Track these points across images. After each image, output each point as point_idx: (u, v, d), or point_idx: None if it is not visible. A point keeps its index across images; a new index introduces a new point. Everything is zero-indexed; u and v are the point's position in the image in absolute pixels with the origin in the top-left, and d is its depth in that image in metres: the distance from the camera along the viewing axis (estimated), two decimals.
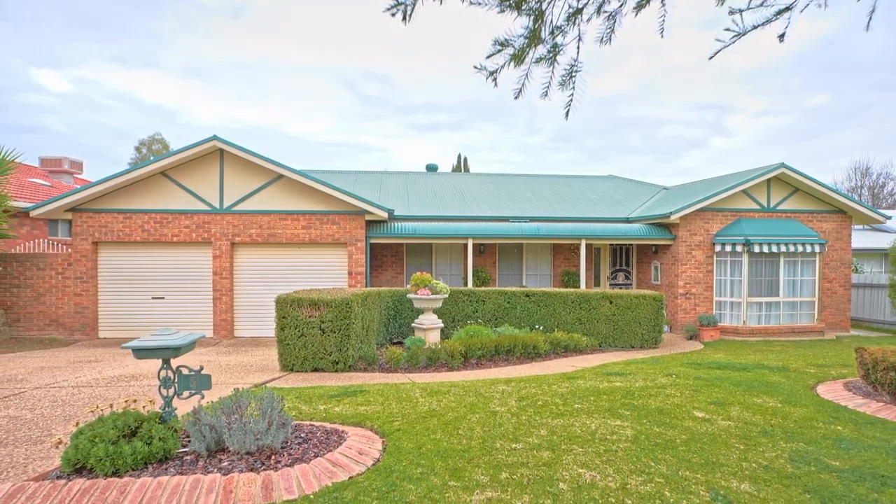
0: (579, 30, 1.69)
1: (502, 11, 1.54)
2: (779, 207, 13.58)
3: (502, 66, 1.68)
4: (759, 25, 2.51)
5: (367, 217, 12.36)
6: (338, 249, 12.49)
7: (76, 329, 11.82)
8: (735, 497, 3.44)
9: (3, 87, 53.59)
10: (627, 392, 6.14)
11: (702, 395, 6.06)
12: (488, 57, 1.65)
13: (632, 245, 15.62)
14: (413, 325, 9.75)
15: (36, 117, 55.89)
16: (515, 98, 1.78)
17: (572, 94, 1.74)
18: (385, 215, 12.34)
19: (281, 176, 12.13)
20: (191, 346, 4.12)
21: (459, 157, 32.87)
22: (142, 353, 3.88)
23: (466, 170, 31.66)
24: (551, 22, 1.59)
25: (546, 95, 1.70)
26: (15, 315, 11.82)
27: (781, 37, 2.57)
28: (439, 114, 73.88)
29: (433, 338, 9.41)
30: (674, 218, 12.97)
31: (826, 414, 5.38)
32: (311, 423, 4.79)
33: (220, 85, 71.02)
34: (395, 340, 10.79)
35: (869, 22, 2.35)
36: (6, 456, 4.17)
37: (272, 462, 3.82)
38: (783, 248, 12.72)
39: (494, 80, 1.72)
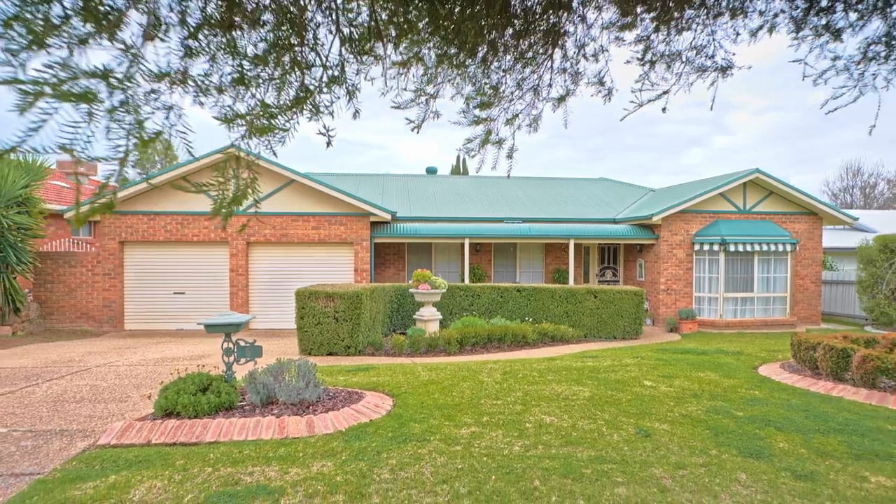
0: (515, 129, 3.02)
1: (470, 125, 2.89)
2: (754, 209, 14.93)
3: (472, 150, 3.02)
4: (652, 100, 3.88)
5: (372, 218, 13.71)
6: (345, 248, 13.85)
7: (104, 321, 13.18)
8: (653, 431, 4.80)
9: None
10: (595, 369, 7.52)
11: (656, 371, 7.43)
12: (463, 146, 2.99)
13: (619, 244, 16.96)
14: (414, 316, 11.10)
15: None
16: (478, 170, 3.11)
17: (510, 164, 3.09)
18: (388, 217, 13.69)
19: (292, 181, 13.47)
20: (245, 325, 5.48)
21: (458, 156, 34.23)
22: (212, 328, 5.24)
23: (466, 170, 33.00)
24: (497, 130, 2.94)
25: (494, 167, 3.05)
26: (49, 308, 13.18)
27: (664, 109, 3.92)
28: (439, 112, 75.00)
29: (432, 328, 10.76)
30: (656, 219, 14.32)
31: (752, 383, 6.75)
32: (336, 387, 6.15)
33: None
34: (398, 331, 12.14)
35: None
36: (104, 409, 5.53)
37: (310, 410, 5.19)
38: (757, 248, 14.08)
39: (468, 154, 3.05)
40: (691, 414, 5.36)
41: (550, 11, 3.26)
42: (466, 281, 14.91)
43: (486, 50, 3.01)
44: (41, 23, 1.28)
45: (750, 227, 14.51)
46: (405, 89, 2.45)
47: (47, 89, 1.29)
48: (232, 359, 5.44)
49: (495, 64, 2.83)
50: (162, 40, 1.58)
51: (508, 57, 3.13)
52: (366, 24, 1.87)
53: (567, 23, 3.38)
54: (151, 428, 4.77)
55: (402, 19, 1.99)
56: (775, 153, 62.77)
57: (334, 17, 1.76)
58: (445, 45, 2.48)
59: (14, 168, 11.72)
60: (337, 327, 9.07)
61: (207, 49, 1.59)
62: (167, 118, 1.70)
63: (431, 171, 21.97)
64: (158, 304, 13.45)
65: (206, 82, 1.67)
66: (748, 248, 14.05)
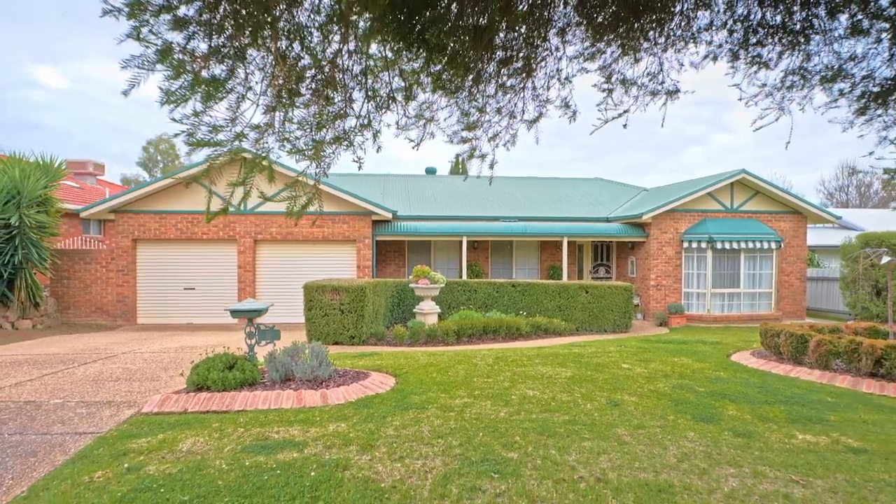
0: (495, 146, 3.81)
1: (458, 143, 3.68)
2: (741, 209, 15.73)
3: (463, 160, 3.82)
4: (615, 118, 4.66)
5: (374, 217, 14.50)
6: (347, 246, 14.65)
7: (118, 316, 13.98)
8: (622, 402, 5.61)
9: (0, 83, 55.69)
10: (580, 355, 8.32)
11: (635, 357, 8.23)
12: (455, 157, 3.77)
13: (611, 242, 17.76)
14: (414, 310, 11.90)
15: (34, 114, 58.01)
16: (465, 179, 3.89)
17: (492, 173, 3.88)
18: (389, 216, 14.48)
19: (297, 181, 14.22)
20: (265, 311, 6.28)
21: (458, 156, 34.94)
22: (236, 313, 6.04)
23: (465, 169, 33.80)
24: (480, 148, 3.74)
25: (479, 176, 3.83)
26: (65, 303, 13.98)
27: (624, 126, 4.71)
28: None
29: (431, 321, 11.56)
30: (646, 218, 15.11)
31: (720, 367, 7.55)
32: (344, 368, 6.95)
33: None
34: (399, 323, 12.90)
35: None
36: (139, 386, 6.33)
37: (323, 385, 5.99)
38: (743, 245, 14.87)
39: (463, 167, 3.74)
40: (658, 390, 6.16)
41: (524, 44, 4.06)
42: (464, 277, 15.70)
43: (472, 81, 3.81)
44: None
45: (737, 226, 15.30)
46: (407, 116, 3.21)
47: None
48: (254, 341, 6.24)
49: (479, 98, 3.61)
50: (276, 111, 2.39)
51: (491, 87, 3.92)
52: (384, 93, 2.66)
53: (542, 51, 4.17)
54: (186, 399, 5.57)
55: (413, 83, 2.78)
56: (775, 153, 63.47)
57: (365, 91, 2.54)
58: (440, 84, 3.26)
59: (34, 169, 12.51)
60: (342, 318, 9.87)
61: (287, 110, 2.37)
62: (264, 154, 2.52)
63: (431, 171, 22.76)
64: (170, 299, 14.25)
65: (286, 130, 2.45)
66: (735, 245, 14.84)
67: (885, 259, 8.38)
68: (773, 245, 15.06)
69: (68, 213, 15.88)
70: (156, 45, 1.83)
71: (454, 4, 3.49)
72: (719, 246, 14.82)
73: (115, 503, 3.46)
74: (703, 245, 15.00)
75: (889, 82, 3.62)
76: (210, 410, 5.36)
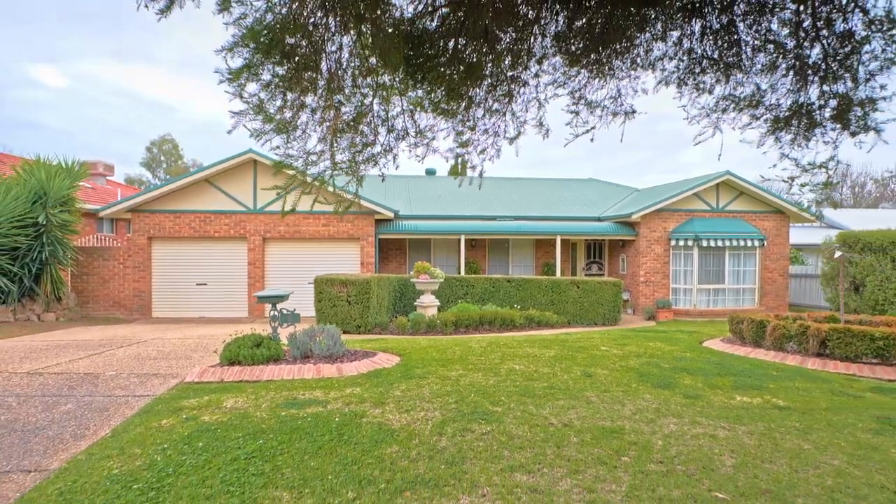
0: (483, 159, 4.86)
1: (453, 158, 4.74)
2: (726, 208, 16.79)
3: (459, 166, 4.84)
4: (582, 133, 5.70)
5: (376, 216, 15.55)
6: (352, 244, 15.70)
7: (134, 310, 15.03)
8: (595, 374, 6.66)
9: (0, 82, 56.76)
10: (564, 340, 9.37)
11: (616, 341, 9.28)
12: (455, 157, 4.84)
13: (603, 240, 18.81)
14: (415, 303, 12.94)
15: (33, 113, 59.08)
16: (459, 185, 4.95)
17: (481, 181, 4.92)
18: (391, 215, 15.53)
19: (305, 182, 15.28)
20: (287, 297, 7.33)
21: (456, 158, 35.99)
22: (263, 299, 7.09)
23: (464, 170, 34.84)
24: (471, 161, 4.79)
25: (470, 184, 4.90)
26: (84, 298, 15.04)
27: (592, 139, 5.76)
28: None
29: (431, 313, 12.60)
30: (635, 217, 16.17)
31: (689, 349, 8.60)
32: (354, 349, 8.00)
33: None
34: (400, 316, 13.97)
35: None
36: (176, 364, 7.38)
37: (338, 361, 7.04)
38: (728, 243, 15.93)
39: (463, 169, 4.81)
40: (628, 365, 7.22)
41: (507, 78, 5.11)
42: (462, 273, 16.75)
43: (464, 107, 4.86)
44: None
45: (722, 225, 16.35)
46: (416, 142, 4.26)
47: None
48: (277, 323, 7.29)
49: (470, 119, 4.67)
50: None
51: (480, 111, 4.97)
52: (400, 127, 3.71)
53: (522, 80, 5.22)
54: (222, 371, 6.62)
55: (418, 107, 3.84)
56: (775, 151, 64.34)
57: (387, 127, 3.60)
58: (439, 110, 4.31)
59: (58, 171, 13.56)
60: (349, 309, 10.92)
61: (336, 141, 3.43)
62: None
63: (430, 172, 23.82)
64: (183, 294, 15.30)
65: (335, 156, 3.50)
66: (720, 243, 15.90)
67: (837, 254, 9.41)
68: (757, 243, 16.11)
69: (85, 212, 16.95)
70: (250, 101, 2.87)
71: (451, 41, 4.56)
72: (705, 244, 15.87)
73: (182, 440, 4.50)
74: (690, 243, 16.05)
75: (789, 111, 4.67)
76: (243, 380, 6.41)
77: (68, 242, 13.74)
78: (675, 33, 5.17)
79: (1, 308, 12.51)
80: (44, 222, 12.87)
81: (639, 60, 5.35)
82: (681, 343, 9.29)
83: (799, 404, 5.64)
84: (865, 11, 4.17)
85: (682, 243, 16.19)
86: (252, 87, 2.87)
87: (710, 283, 16.30)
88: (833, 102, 4.56)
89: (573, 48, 5.13)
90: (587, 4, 4.99)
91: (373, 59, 3.77)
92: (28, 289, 13.17)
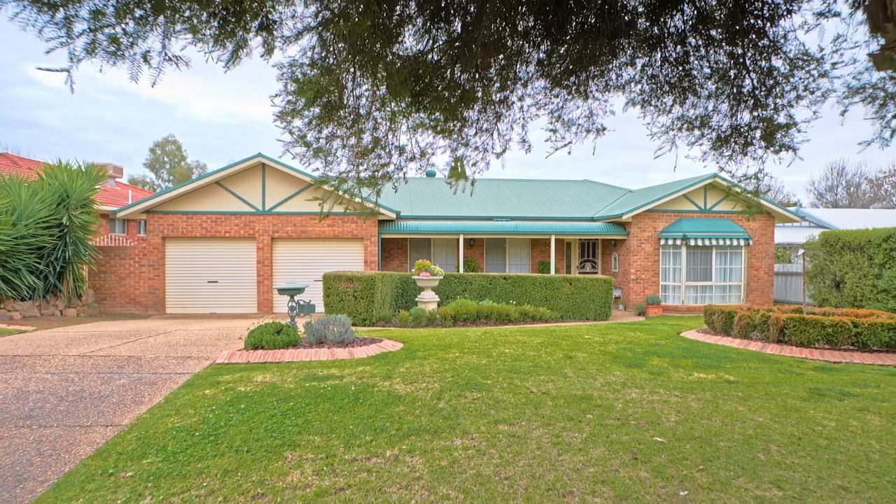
0: (474, 171, 5.92)
1: (450, 173, 5.81)
2: (714, 209, 17.82)
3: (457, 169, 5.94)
4: (560, 147, 6.74)
5: (379, 217, 16.59)
6: (355, 243, 16.75)
7: (149, 306, 16.08)
8: (575, 357, 7.70)
9: None
10: (553, 330, 10.41)
11: (600, 332, 10.32)
12: (447, 178, 5.90)
13: (596, 239, 19.85)
14: (416, 299, 13.99)
15: (32, 112, 60.16)
16: (454, 193, 6.03)
17: (472, 189, 5.99)
18: (394, 216, 16.58)
19: (311, 184, 16.35)
20: (304, 290, 8.37)
21: (455, 159, 37.05)
22: (283, 291, 8.13)
23: (464, 170, 35.86)
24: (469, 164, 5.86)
25: (464, 191, 5.98)
26: (102, 295, 16.09)
27: (569, 152, 6.81)
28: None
29: (431, 308, 13.64)
30: (626, 217, 17.21)
31: (665, 338, 9.64)
32: (362, 337, 9.05)
33: (218, 80, 75.23)
34: (403, 310, 15.01)
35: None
36: (204, 349, 8.43)
37: (349, 346, 8.09)
38: (715, 242, 16.96)
39: (462, 172, 5.97)
40: (607, 350, 8.26)
41: (496, 101, 6.15)
42: (461, 271, 17.79)
43: (458, 127, 5.92)
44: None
45: (709, 225, 17.39)
46: (421, 160, 5.31)
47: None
48: (294, 313, 8.34)
49: (463, 139, 5.71)
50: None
51: (472, 130, 6.02)
52: (409, 151, 4.77)
53: (509, 100, 6.26)
54: (248, 355, 7.67)
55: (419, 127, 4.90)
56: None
57: (399, 151, 4.65)
58: (438, 129, 5.36)
59: (79, 175, 14.61)
60: (355, 303, 11.96)
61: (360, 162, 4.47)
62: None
63: (430, 174, 24.85)
64: (195, 291, 16.36)
65: (359, 173, 4.54)
66: (707, 242, 16.94)
67: (800, 251, 10.43)
68: (743, 242, 17.15)
69: (101, 213, 18.01)
70: (294, 132, 3.90)
71: (448, 71, 5.60)
72: (693, 243, 16.91)
73: (225, 404, 5.54)
74: (679, 242, 17.09)
75: (728, 130, 5.71)
76: (267, 361, 7.45)
77: (88, 242, 14.78)
78: (641, 61, 6.21)
79: (28, 304, 13.56)
80: (67, 223, 13.92)
81: (610, 84, 6.39)
82: (659, 333, 10.33)
83: (747, 379, 6.67)
84: (784, 53, 5.22)
85: (671, 242, 17.23)
86: (297, 122, 3.88)
87: (698, 280, 17.33)
88: (762, 125, 5.61)
89: (555, 72, 6.16)
90: (566, 38, 6.02)
91: (383, 88, 4.82)
92: (52, 286, 14.22)
